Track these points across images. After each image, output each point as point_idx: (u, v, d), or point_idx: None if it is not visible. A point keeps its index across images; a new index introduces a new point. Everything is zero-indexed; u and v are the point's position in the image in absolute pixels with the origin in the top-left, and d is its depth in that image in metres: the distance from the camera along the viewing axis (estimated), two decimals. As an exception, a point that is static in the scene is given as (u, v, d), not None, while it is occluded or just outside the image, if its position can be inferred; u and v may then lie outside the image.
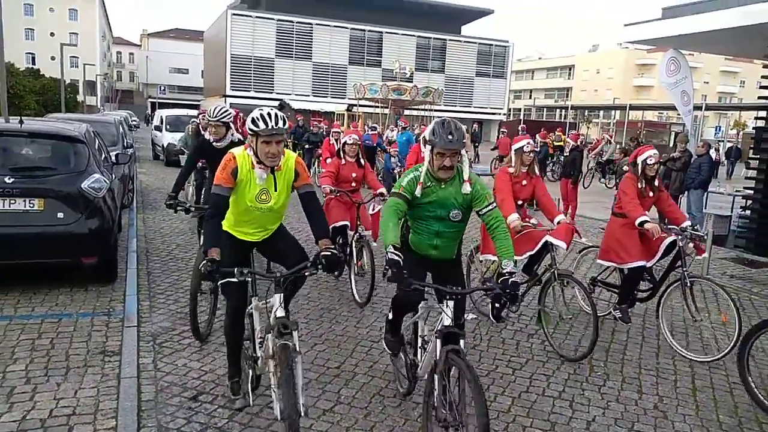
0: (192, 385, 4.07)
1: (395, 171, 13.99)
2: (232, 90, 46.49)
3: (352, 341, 5.05)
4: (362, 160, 6.54)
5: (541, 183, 5.59)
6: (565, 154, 17.25)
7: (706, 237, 6.51)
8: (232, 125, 6.06)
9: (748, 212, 10.59)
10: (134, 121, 36.28)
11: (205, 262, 3.16)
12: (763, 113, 10.58)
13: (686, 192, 11.40)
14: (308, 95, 47.15)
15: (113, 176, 7.08)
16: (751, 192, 10.30)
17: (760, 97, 10.64)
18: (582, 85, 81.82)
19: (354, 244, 6.32)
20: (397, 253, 3.09)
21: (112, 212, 6.06)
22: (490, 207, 3.45)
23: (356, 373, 4.41)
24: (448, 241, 3.62)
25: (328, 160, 9.51)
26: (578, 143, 12.76)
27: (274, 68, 47.64)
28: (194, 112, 24.44)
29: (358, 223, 6.35)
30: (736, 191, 12.02)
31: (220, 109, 5.85)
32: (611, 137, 16.50)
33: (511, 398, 4.18)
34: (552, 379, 4.54)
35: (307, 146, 17.33)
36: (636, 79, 77.76)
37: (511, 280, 3.15)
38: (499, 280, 3.31)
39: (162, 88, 65.62)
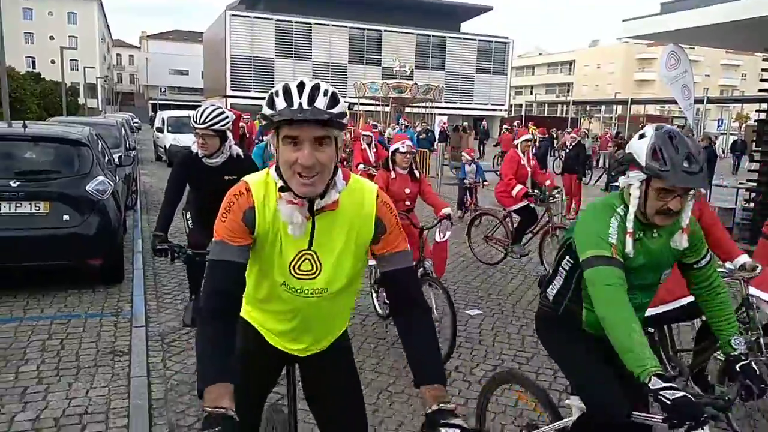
0: (201, 383, 4.11)
1: (471, 183, 11.00)
2: (233, 90, 46.54)
3: (359, 338, 5.08)
4: (417, 172, 5.34)
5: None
6: (567, 149, 17.27)
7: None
8: (229, 134, 4.36)
9: (751, 205, 10.59)
10: (136, 123, 36.38)
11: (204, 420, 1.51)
12: (764, 106, 10.59)
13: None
14: (309, 94, 47.13)
15: (117, 178, 7.14)
16: (755, 185, 10.31)
17: (760, 90, 10.64)
18: (583, 80, 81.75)
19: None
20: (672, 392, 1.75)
21: (116, 214, 6.11)
22: (708, 258, 2.33)
23: (364, 370, 4.45)
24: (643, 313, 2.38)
25: (361, 167, 9.29)
26: (580, 138, 12.84)
27: (274, 68, 47.67)
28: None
29: (421, 254, 5.01)
30: (740, 184, 12.01)
31: (211, 111, 4.13)
32: (588, 131, 16.10)
33: (517, 393, 4.21)
34: (558, 373, 4.56)
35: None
36: (637, 73, 77.68)
37: (751, 362, 2.13)
38: (737, 367, 2.14)
39: (162, 89, 65.81)
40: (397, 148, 5.23)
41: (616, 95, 57.35)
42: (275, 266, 1.82)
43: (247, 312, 2.03)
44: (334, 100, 1.63)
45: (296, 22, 47.80)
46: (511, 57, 57.07)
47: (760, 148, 10.51)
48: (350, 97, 32.25)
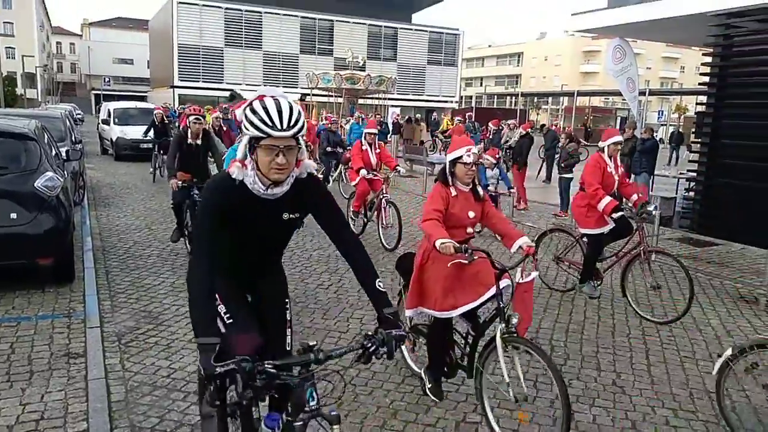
0: (162, 383, 4.05)
1: (494, 192, 9.79)
2: (181, 80, 45.36)
3: (321, 333, 5.09)
4: (479, 189, 3.94)
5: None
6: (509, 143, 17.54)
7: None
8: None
9: (691, 194, 11.09)
10: (79, 114, 35.02)
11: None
12: (703, 98, 11.07)
13: (633, 176, 11.87)
14: (259, 85, 46.37)
15: (66, 173, 6.90)
16: (695, 174, 10.78)
17: (700, 83, 11.11)
18: (531, 72, 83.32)
19: None
20: None
21: (66, 211, 5.91)
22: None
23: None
24: None
25: (363, 172, 8.26)
26: (527, 131, 13.21)
27: (223, 58, 46.72)
28: (145, 105, 23.94)
29: (502, 303, 3.59)
30: (680, 174, 12.54)
31: (291, 108, 1.88)
32: (514, 125, 16.20)
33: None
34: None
35: (327, 149, 13.68)
36: (582, 65, 79.65)
37: None
38: None
39: (106, 79, 63.34)
40: (459, 157, 3.76)
41: (562, 87, 58.78)
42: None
43: None
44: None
45: (246, 11, 46.91)
46: (461, 49, 57.60)
47: (699, 140, 10.99)
48: (302, 88, 31.95)
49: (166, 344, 4.69)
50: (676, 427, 3.82)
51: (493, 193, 9.57)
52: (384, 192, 8.40)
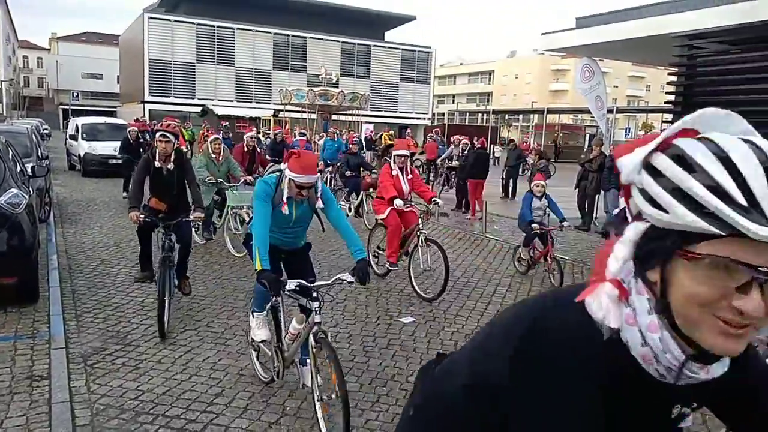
0: (130, 406, 3.93)
1: (542, 228, 7.66)
2: (151, 96, 44.88)
3: (294, 351, 5.02)
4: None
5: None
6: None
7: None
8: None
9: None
10: (46, 129, 34.32)
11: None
12: (669, 116, 11.35)
13: (603, 192, 12.07)
14: (232, 101, 46.19)
15: (31, 190, 6.73)
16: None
17: (666, 102, 11.40)
18: (502, 90, 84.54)
19: None
20: None
21: (31, 228, 5.76)
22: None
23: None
24: None
25: (398, 202, 6.89)
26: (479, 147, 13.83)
27: (195, 73, 46.40)
28: (114, 120, 23.54)
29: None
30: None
31: None
32: (458, 140, 16.30)
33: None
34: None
35: (347, 173, 12.31)
36: (552, 83, 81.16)
37: None
38: None
39: (75, 94, 62.18)
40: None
41: (532, 104, 59.72)
42: None
43: None
44: None
45: (218, 27, 46.77)
46: (433, 66, 58.24)
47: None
48: (275, 104, 31.91)
49: (134, 365, 4.57)
50: None
51: (541, 230, 7.53)
52: (421, 228, 7.00)
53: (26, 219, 5.65)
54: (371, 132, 29.67)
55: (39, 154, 11.71)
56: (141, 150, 12.95)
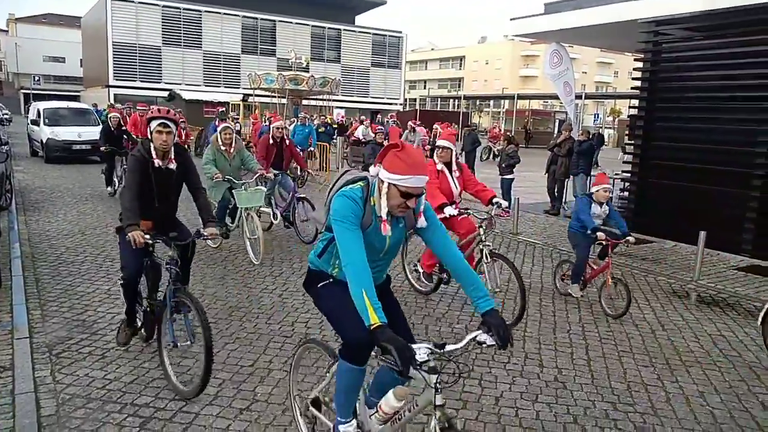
0: (97, 395, 3.87)
1: (605, 239, 6.18)
2: (116, 80, 43.75)
3: (265, 338, 5.00)
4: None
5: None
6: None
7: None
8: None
9: (626, 194, 11.52)
10: (6, 114, 33.28)
11: None
12: (636, 102, 11.52)
13: (572, 177, 12.27)
14: (200, 85, 45.33)
15: (-10, 177, 6.53)
16: (629, 175, 11.21)
17: (633, 88, 11.57)
18: (473, 76, 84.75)
19: None
20: None
21: (-9, 216, 5.59)
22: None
23: (271, 370, 4.38)
24: None
25: (449, 210, 5.52)
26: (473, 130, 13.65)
27: (161, 57, 45.38)
28: (77, 105, 22.91)
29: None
30: (615, 174, 13.02)
31: None
32: (412, 127, 16.18)
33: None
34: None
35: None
36: (522, 69, 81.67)
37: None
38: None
39: (36, 78, 60.39)
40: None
41: (503, 90, 60.09)
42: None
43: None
44: None
45: (184, 9, 45.73)
46: (405, 51, 58.00)
47: (633, 141, 11.43)
48: (244, 89, 31.43)
49: (101, 354, 4.50)
50: (615, 420, 3.94)
51: (611, 241, 6.13)
52: (483, 239, 5.65)
53: (-15, 206, 5.48)
54: (342, 117, 29.53)
55: (-1, 139, 11.34)
56: (123, 139, 11.83)
